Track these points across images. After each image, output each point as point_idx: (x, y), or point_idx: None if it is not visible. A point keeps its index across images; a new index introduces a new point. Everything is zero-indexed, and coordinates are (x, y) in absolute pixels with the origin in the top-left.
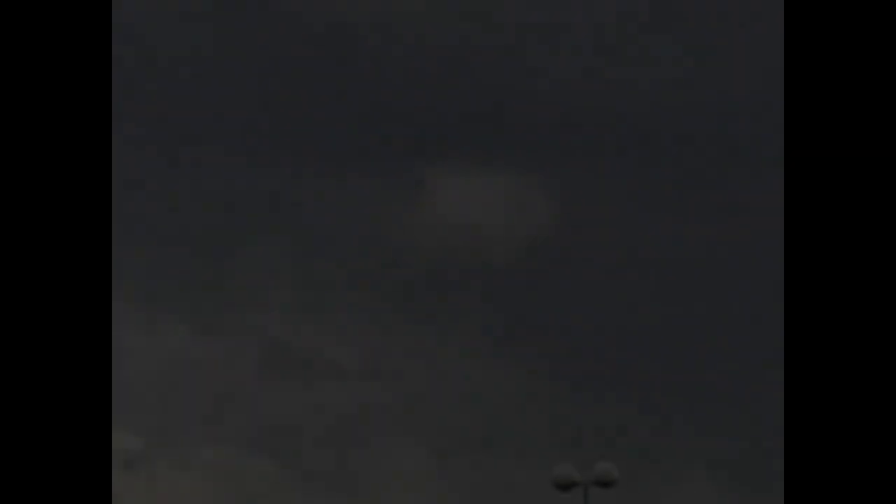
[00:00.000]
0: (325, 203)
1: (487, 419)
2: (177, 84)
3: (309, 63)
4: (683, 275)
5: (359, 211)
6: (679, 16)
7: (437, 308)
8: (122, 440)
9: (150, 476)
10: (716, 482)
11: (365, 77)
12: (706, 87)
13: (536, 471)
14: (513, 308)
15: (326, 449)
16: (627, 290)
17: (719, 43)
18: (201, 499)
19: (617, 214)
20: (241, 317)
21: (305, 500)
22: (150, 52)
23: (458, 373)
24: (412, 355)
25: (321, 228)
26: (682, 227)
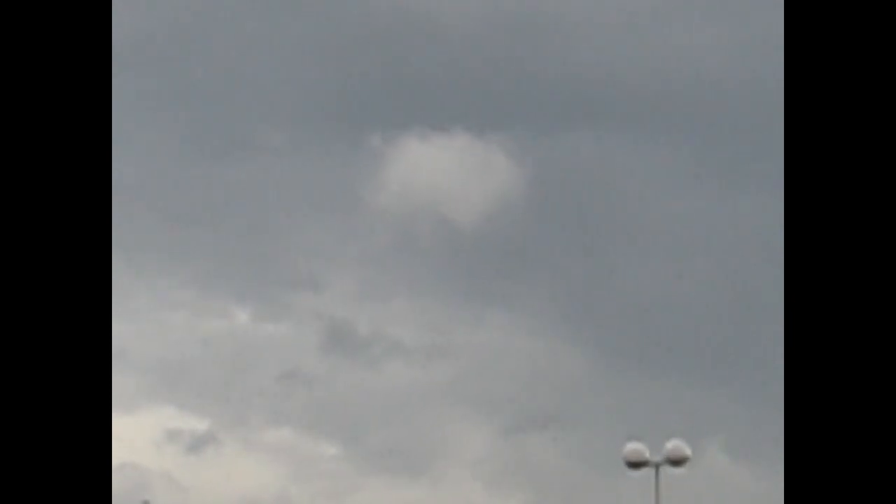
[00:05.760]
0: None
1: (554, 396)
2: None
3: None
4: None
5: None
6: None
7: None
8: (188, 422)
9: (215, 457)
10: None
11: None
12: (679, 51)
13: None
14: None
15: (389, 428)
16: (631, 260)
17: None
18: (266, 479)
19: (589, 178)
20: (303, 298)
21: (369, 478)
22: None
23: (523, 350)
24: (475, 332)
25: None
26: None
